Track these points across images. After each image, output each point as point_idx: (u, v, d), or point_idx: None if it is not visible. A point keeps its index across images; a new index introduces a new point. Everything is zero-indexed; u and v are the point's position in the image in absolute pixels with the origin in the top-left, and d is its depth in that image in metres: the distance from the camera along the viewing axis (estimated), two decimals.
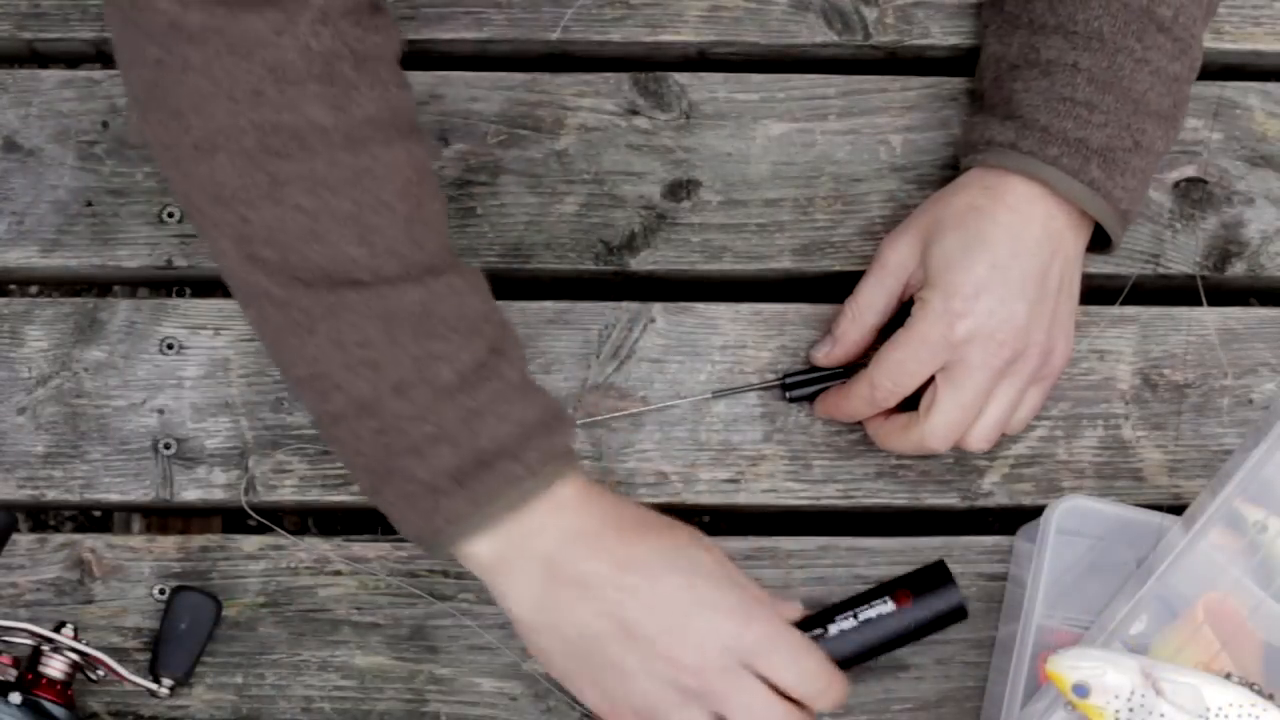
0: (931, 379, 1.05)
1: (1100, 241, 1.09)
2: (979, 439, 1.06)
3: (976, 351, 1.03)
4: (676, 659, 0.95)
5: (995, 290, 1.03)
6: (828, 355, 1.10)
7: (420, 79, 1.15)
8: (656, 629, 0.95)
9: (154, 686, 1.04)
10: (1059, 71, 1.06)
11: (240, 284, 0.96)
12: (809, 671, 0.98)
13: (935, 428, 1.05)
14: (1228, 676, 0.97)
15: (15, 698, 1.00)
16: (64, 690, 1.02)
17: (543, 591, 0.96)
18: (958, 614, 1.04)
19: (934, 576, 1.04)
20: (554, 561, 0.95)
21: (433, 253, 0.95)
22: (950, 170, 1.15)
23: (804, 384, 1.11)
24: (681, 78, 1.17)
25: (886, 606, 1.03)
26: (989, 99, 1.10)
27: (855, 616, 1.03)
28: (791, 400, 1.11)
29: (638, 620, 0.95)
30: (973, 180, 1.07)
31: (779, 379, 1.11)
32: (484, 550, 0.96)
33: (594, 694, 0.98)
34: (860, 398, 1.07)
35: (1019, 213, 1.05)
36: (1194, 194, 1.17)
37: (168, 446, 1.10)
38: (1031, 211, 1.05)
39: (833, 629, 1.02)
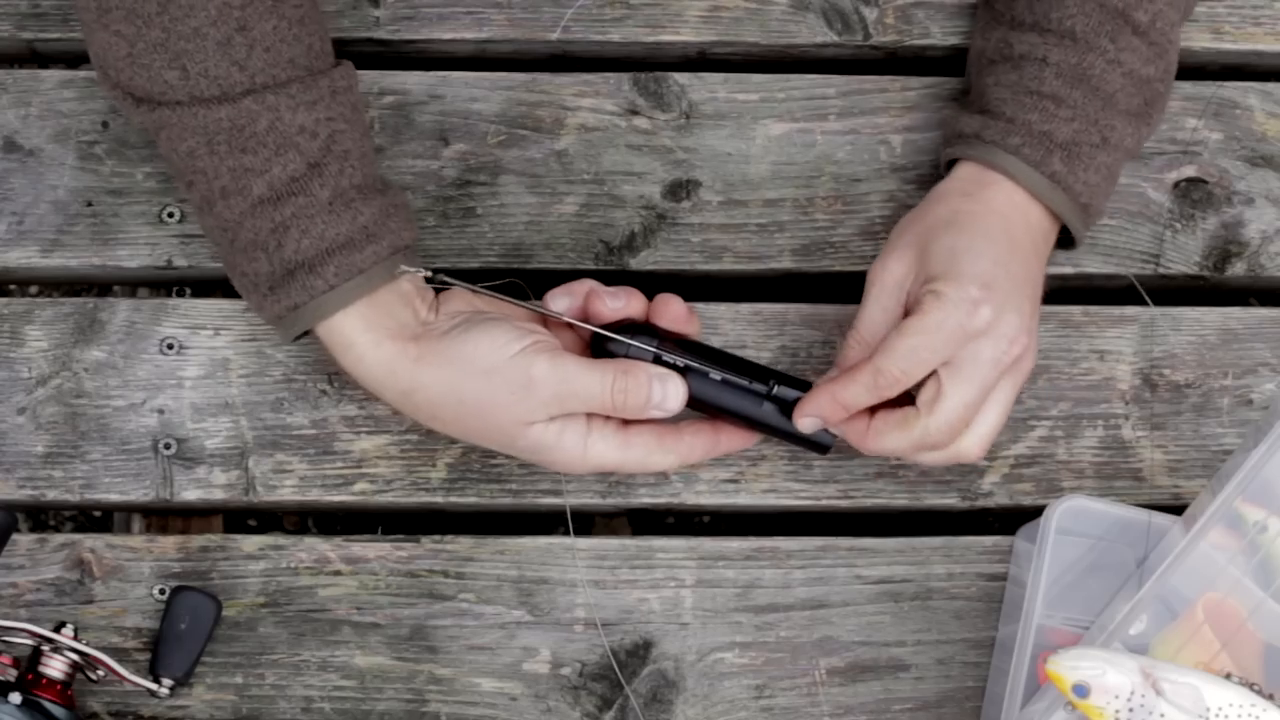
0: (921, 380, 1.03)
1: (1064, 240, 1.09)
2: (979, 444, 1.03)
3: (988, 347, 1.01)
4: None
5: (1002, 285, 1.01)
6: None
7: (420, 79, 1.15)
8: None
9: (154, 686, 1.04)
10: (1028, 66, 1.06)
11: (107, 93, 1.05)
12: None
13: (940, 423, 1.01)
14: (1228, 676, 0.97)
15: (15, 698, 1.00)
16: (64, 690, 1.02)
17: (366, 378, 1.04)
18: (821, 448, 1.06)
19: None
20: (375, 379, 1.03)
21: (258, 71, 1.01)
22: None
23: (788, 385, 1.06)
24: (681, 78, 1.17)
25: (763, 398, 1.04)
26: (970, 94, 1.11)
27: (727, 381, 1.04)
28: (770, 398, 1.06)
29: (429, 408, 1.03)
30: (952, 189, 1.07)
31: (765, 389, 1.05)
32: (324, 337, 1.03)
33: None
34: (862, 384, 1.01)
35: (1006, 215, 1.05)
36: (1194, 194, 1.17)
37: (168, 446, 1.10)
38: (1015, 215, 1.05)
39: (709, 373, 1.04)
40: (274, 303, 1.02)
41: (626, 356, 1.03)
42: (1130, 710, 0.95)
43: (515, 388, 1.00)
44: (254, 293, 1.03)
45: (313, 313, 1.02)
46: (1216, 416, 1.14)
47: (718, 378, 1.04)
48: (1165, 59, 1.08)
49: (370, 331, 1.02)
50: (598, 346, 1.04)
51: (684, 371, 1.03)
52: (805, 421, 1.04)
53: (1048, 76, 1.06)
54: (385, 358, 1.02)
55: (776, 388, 1.04)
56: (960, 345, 1.01)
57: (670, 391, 1.02)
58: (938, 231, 1.04)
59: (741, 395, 1.04)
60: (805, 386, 1.04)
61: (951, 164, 1.09)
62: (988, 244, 1.03)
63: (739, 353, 1.12)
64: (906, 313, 1.03)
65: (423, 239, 1.13)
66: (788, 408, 1.04)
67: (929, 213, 1.06)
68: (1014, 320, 1.01)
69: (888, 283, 1.04)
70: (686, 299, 1.13)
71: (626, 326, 1.04)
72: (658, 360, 1.03)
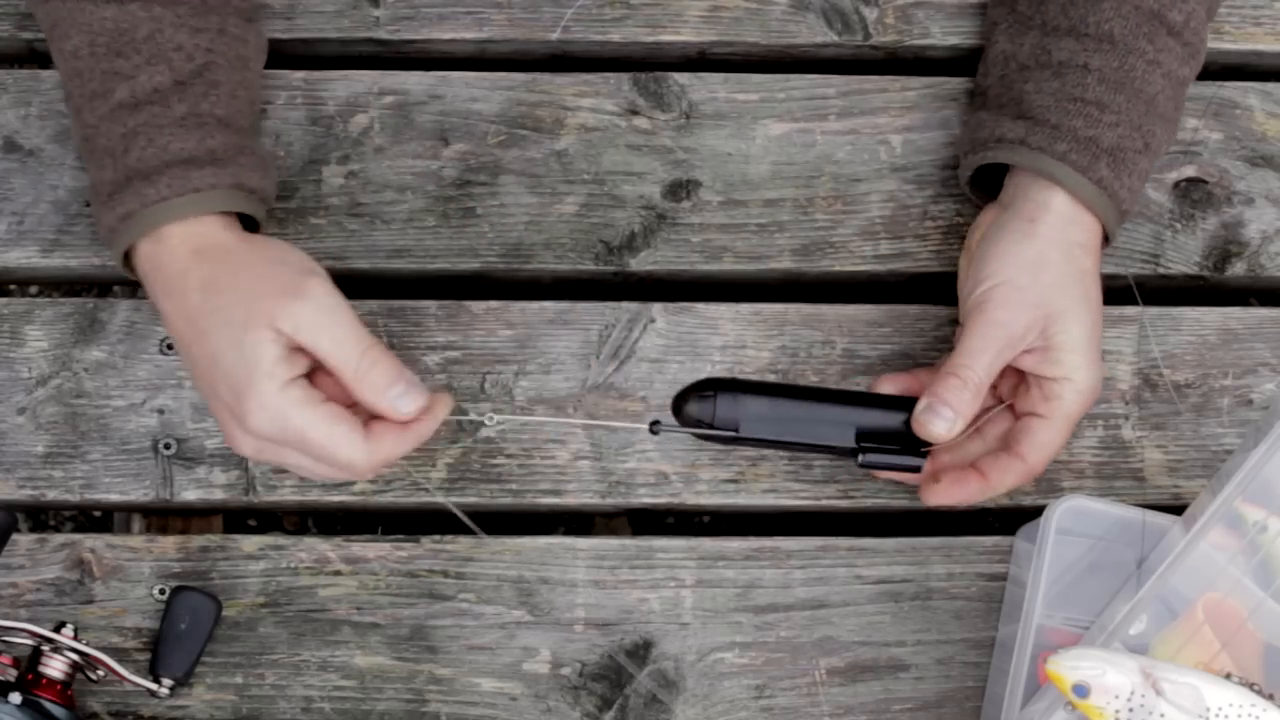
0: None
1: None
2: None
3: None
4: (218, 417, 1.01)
5: (1100, 351, 1.07)
6: (950, 430, 1.03)
7: (420, 79, 1.15)
8: (205, 390, 1.01)
9: (154, 686, 1.04)
10: (1070, 72, 1.06)
11: None
12: (328, 459, 0.99)
13: (1040, 467, 1.07)
14: (1228, 676, 0.97)
15: (15, 698, 1.00)
16: (64, 690, 1.02)
17: (156, 300, 1.03)
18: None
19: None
20: (166, 283, 1.01)
21: None
22: (950, 170, 1.15)
23: (881, 452, 1.05)
24: (681, 78, 1.17)
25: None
26: (996, 97, 1.10)
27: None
28: (862, 466, 1.05)
29: (193, 366, 1.01)
30: (1069, 236, 1.06)
31: (854, 447, 1.04)
32: (140, 257, 1.02)
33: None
34: (1016, 475, 1.05)
35: (1093, 254, 1.07)
36: (1194, 194, 1.17)
37: (168, 446, 1.10)
38: (1094, 250, 1.07)
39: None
40: (109, 210, 1.02)
41: (718, 437, 1.04)
42: (1130, 710, 0.95)
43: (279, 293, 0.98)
44: (97, 203, 1.03)
45: (141, 223, 1.01)
46: (1216, 416, 1.14)
47: (803, 441, 1.05)
48: (1197, 59, 1.09)
49: (181, 243, 1.01)
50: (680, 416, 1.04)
51: (768, 444, 1.05)
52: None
53: (1091, 83, 1.06)
54: (181, 264, 1.00)
55: (867, 445, 1.05)
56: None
57: (412, 397, 1.00)
58: (1068, 297, 1.04)
59: (832, 454, 1.08)
60: (883, 402, 1.06)
61: (983, 169, 1.10)
62: (1098, 318, 1.06)
63: (738, 353, 1.12)
64: (1022, 374, 1.06)
65: (422, 239, 1.13)
66: (875, 432, 1.05)
67: (1056, 265, 1.05)
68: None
69: (1015, 335, 1.04)
70: (686, 299, 1.14)
71: (707, 382, 1.04)
72: (735, 440, 1.04)
